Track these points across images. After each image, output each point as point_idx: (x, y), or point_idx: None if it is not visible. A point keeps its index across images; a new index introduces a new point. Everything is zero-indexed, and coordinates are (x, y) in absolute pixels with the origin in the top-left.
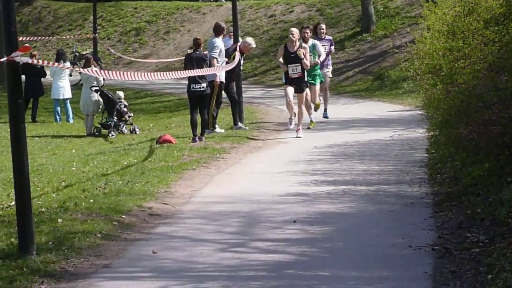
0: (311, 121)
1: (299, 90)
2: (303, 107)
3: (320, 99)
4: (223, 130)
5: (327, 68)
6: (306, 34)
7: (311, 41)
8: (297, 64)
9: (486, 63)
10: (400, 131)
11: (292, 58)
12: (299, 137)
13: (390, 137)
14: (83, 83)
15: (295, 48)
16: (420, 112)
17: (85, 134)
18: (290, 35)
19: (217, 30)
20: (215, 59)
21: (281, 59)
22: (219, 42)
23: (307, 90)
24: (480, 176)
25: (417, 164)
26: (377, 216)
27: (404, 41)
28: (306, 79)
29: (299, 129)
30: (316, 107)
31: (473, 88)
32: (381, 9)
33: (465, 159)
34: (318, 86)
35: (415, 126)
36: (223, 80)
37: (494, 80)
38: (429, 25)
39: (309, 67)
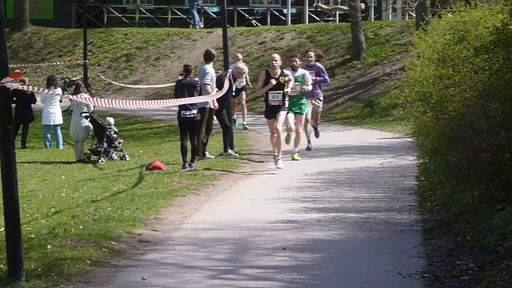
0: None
1: (275, 117)
2: (281, 137)
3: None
4: (213, 157)
5: (317, 102)
6: (294, 63)
7: (300, 71)
8: (278, 92)
9: (476, 91)
10: (390, 159)
11: (274, 85)
12: (279, 167)
13: (380, 164)
14: (73, 109)
15: (277, 75)
16: (410, 140)
17: (75, 160)
18: (273, 61)
19: (208, 57)
20: (208, 85)
21: (261, 84)
22: (210, 68)
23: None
24: (469, 203)
25: (407, 192)
26: (367, 243)
27: (394, 69)
28: (286, 108)
29: (279, 158)
30: (287, 140)
31: (463, 116)
32: (371, 36)
33: (455, 186)
34: (303, 117)
35: (405, 153)
36: (213, 106)
37: (484, 108)
38: (419, 52)
39: (289, 94)
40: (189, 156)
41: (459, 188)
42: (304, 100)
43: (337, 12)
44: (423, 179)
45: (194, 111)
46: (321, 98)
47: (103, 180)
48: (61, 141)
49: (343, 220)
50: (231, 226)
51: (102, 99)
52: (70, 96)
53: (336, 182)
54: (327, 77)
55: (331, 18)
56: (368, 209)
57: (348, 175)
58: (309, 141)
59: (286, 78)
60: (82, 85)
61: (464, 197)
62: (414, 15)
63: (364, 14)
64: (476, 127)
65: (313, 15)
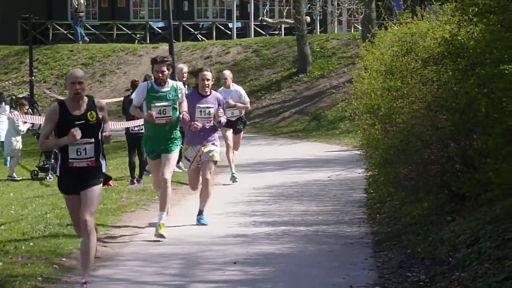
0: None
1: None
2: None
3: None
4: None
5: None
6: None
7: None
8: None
9: (425, 103)
10: (338, 171)
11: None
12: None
13: (328, 177)
14: (6, 127)
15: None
16: (358, 152)
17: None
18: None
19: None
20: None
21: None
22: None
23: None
24: (419, 215)
25: (355, 204)
26: (317, 256)
27: (341, 81)
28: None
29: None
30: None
31: (412, 128)
32: (317, 49)
33: (404, 198)
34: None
35: (353, 166)
36: None
37: (433, 120)
38: (367, 64)
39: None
40: (137, 172)
41: (409, 200)
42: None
43: (283, 26)
44: (372, 191)
45: (143, 127)
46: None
47: (51, 196)
48: (8, 158)
49: (293, 234)
50: (181, 241)
51: (36, 116)
52: (8, 114)
53: (284, 195)
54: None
55: (276, 32)
56: (317, 222)
57: (297, 189)
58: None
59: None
60: (25, 104)
61: (414, 209)
62: (360, 28)
63: (309, 27)
64: (425, 138)
65: (258, 29)
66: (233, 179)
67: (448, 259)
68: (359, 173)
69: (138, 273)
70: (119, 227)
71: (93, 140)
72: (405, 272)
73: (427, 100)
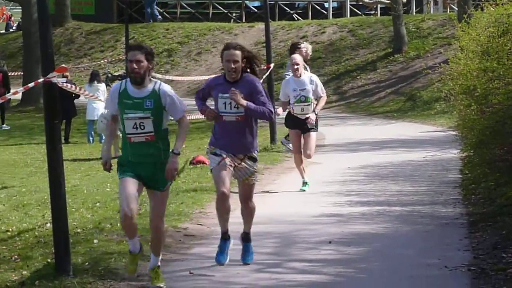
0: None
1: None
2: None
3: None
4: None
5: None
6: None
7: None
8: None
9: None
10: (433, 152)
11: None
12: None
13: (424, 157)
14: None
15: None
16: (454, 133)
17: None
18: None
19: (292, 49)
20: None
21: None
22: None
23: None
24: None
25: (450, 185)
26: (412, 236)
27: (436, 62)
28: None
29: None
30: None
31: (508, 109)
32: (413, 30)
33: (499, 179)
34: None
35: (448, 146)
36: None
37: None
38: (463, 45)
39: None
40: None
41: (504, 181)
42: None
43: (379, 6)
44: (467, 172)
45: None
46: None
47: None
48: (103, 136)
49: (388, 214)
50: (276, 220)
51: None
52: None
53: (379, 175)
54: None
55: (372, 12)
56: (412, 202)
57: (392, 169)
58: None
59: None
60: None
61: (508, 190)
62: (456, 8)
63: (405, 8)
64: None
65: (354, 9)
66: (303, 186)
67: None
68: (454, 154)
69: (233, 251)
70: (214, 205)
71: None
72: (500, 253)
73: None
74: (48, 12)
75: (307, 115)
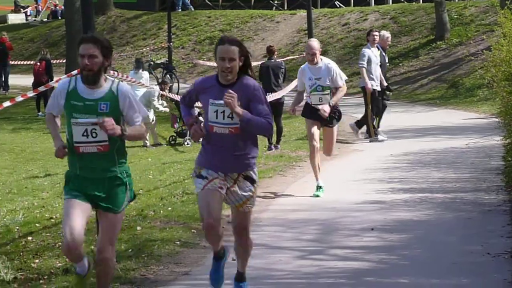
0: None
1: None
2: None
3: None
4: (386, 138)
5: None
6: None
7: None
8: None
9: None
10: (476, 139)
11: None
12: None
13: (466, 144)
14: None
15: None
16: (496, 120)
17: (161, 144)
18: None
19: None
20: (362, 69)
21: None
22: (369, 51)
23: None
24: None
25: (493, 172)
26: (454, 223)
27: (479, 49)
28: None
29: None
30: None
31: None
32: (455, 16)
33: None
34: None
35: (491, 133)
36: (376, 88)
37: None
38: (505, 32)
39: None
40: (274, 138)
41: None
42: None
43: None
44: (510, 159)
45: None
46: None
47: (189, 162)
48: None
49: (430, 201)
50: (318, 207)
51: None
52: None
53: (422, 162)
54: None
55: None
56: (455, 189)
57: (434, 156)
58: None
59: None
60: (166, 86)
61: None
62: None
63: None
64: None
65: None
66: (317, 191)
67: None
68: (497, 141)
69: (276, 238)
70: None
71: None
72: None
73: None
74: (90, 0)
75: (322, 109)
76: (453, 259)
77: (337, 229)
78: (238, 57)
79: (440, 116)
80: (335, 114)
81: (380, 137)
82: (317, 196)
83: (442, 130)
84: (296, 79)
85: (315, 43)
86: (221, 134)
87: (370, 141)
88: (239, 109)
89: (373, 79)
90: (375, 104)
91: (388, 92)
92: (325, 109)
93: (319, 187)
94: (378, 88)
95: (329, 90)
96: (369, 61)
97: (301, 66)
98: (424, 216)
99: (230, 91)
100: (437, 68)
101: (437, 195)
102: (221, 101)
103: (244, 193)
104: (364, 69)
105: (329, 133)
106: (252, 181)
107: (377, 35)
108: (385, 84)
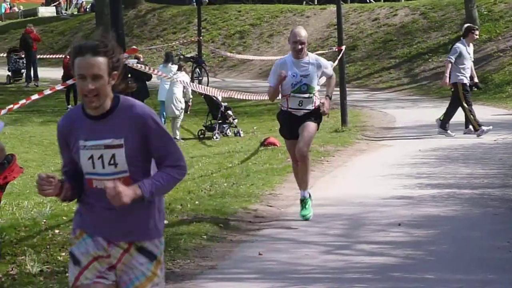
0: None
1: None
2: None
3: None
4: (490, 127)
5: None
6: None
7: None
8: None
9: None
10: (505, 135)
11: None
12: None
13: (494, 140)
14: (168, 88)
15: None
16: None
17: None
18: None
19: (466, 32)
20: (449, 63)
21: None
22: (461, 45)
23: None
24: None
25: None
26: (482, 219)
27: (508, 45)
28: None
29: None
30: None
31: None
32: (485, 12)
33: None
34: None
35: None
36: (465, 82)
37: None
38: None
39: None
40: None
41: None
42: None
43: None
44: None
45: None
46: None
47: (217, 156)
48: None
49: (458, 196)
50: (346, 202)
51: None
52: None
53: (450, 158)
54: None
55: None
56: (482, 185)
57: (462, 152)
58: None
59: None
60: (184, 67)
61: None
62: None
63: None
64: None
65: None
66: (303, 210)
67: None
68: None
69: (302, 233)
70: (284, 187)
71: None
72: None
73: None
74: None
75: (322, 104)
76: (479, 254)
77: (364, 224)
78: (107, 72)
79: None
80: (315, 115)
81: (485, 128)
82: (304, 216)
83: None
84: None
85: (302, 31)
86: (103, 189)
87: (477, 136)
88: (131, 195)
89: (464, 74)
90: (467, 97)
91: (475, 89)
92: (326, 105)
93: (304, 201)
94: (468, 82)
95: (313, 93)
96: (460, 56)
97: (280, 59)
98: (451, 212)
99: (109, 185)
100: None
101: (465, 190)
102: (97, 141)
103: (139, 272)
104: (450, 63)
105: (307, 129)
106: (152, 257)
107: (477, 35)
108: (475, 80)
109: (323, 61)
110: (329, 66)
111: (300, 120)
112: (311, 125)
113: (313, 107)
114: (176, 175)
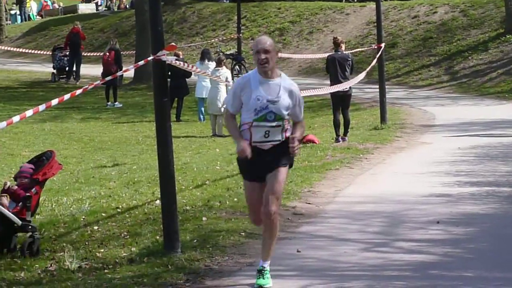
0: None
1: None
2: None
3: None
4: None
5: None
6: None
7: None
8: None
9: None
10: None
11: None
12: None
13: None
14: (210, 83)
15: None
16: None
17: (223, 135)
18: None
19: None
20: None
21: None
22: None
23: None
24: None
25: None
26: None
27: None
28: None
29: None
30: None
31: None
32: None
33: None
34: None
35: None
36: None
37: None
38: None
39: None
40: (342, 130)
41: None
42: None
43: None
44: None
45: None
46: None
47: None
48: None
49: (497, 194)
50: (384, 199)
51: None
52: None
53: (489, 156)
54: None
55: None
56: None
57: (502, 150)
58: None
59: None
60: (224, 60)
61: None
62: None
63: None
64: None
65: None
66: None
67: None
68: None
69: (341, 230)
70: (323, 184)
71: None
72: None
73: None
74: None
75: (292, 139)
76: None
77: (402, 221)
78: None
79: (508, 110)
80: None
81: None
82: (262, 285)
83: (511, 123)
84: (364, 72)
85: (267, 38)
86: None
87: None
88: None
89: None
90: None
91: None
92: (295, 144)
93: (262, 272)
94: None
95: (282, 123)
96: None
97: (241, 77)
98: (490, 210)
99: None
100: (506, 61)
101: (504, 188)
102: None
103: None
104: None
105: (278, 176)
106: None
107: None
108: None
109: (297, 92)
110: (302, 105)
111: (267, 155)
112: (282, 173)
113: (283, 138)
114: None
